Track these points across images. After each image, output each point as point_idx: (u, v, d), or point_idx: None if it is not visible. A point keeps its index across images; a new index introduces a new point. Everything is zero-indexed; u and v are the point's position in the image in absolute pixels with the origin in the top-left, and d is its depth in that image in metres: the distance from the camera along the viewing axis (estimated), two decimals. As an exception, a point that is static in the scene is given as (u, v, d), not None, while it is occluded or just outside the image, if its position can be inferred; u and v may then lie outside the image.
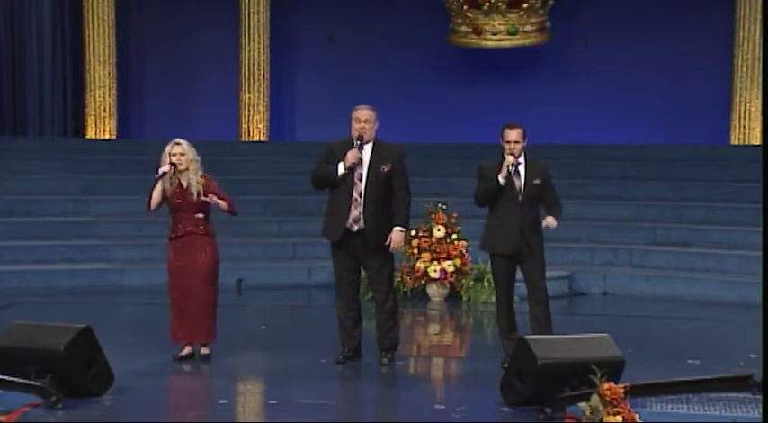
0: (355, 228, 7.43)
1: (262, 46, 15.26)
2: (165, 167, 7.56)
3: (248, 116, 15.34)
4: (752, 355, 7.99)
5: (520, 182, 7.43)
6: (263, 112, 15.38)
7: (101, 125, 15.18)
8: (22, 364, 6.17)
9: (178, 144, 7.68)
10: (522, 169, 7.43)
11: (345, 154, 7.39)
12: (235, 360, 7.99)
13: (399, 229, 7.48)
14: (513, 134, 7.39)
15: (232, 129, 15.39)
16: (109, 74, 15.12)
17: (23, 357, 6.18)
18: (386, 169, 7.45)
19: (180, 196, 7.61)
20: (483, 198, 7.53)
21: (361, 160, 7.42)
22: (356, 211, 7.42)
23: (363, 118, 7.44)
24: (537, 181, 7.44)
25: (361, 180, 7.43)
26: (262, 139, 15.36)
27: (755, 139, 14.28)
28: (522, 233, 7.40)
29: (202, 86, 15.75)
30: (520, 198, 7.41)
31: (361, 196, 7.42)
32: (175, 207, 7.65)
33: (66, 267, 11.87)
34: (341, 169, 7.39)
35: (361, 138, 7.41)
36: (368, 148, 7.48)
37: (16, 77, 15.14)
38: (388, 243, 7.46)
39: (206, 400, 6.48)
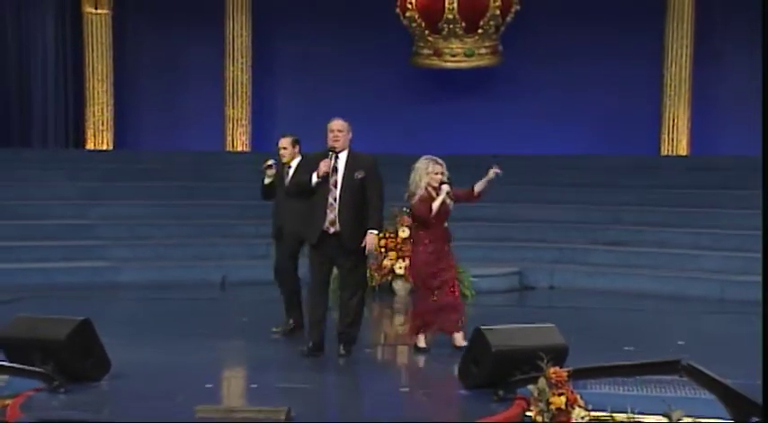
0: (331, 230, 7.34)
1: (245, 66, 15.30)
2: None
3: (232, 129, 15.35)
4: (680, 343, 8.11)
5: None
6: (246, 126, 15.40)
7: (99, 137, 15.15)
8: (28, 353, 6.12)
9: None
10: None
11: (319, 164, 7.37)
12: (219, 349, 7.97)
13: (372, 232, 7.37)
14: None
15: (218, 140, 15.37)
16: (106, 91, 15.12)
17: (28, 347, 6.12)
18: (359, 176, 7.37)
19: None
20: None
21: (335, 168, 7.37)
22: (332, 215, 7.34)
23: (337, 128, 7.37)
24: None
25: (336, 186, 7.36)
26: (245, 150, 15.34)
27: (682, 149, 14.62)
28: None
29: (191, 102, 15.71)
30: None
31: (336, 201, 7.33)
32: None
33: (66, 265, 11.79)
34: (314, 179, 7.35)
35: (333, 148, 7.36)
36: (343, 157, 7.40)
37: (23, 95, 15.13)
38: (363, 245, 7.36)
39: (193, 385, 6.44)
